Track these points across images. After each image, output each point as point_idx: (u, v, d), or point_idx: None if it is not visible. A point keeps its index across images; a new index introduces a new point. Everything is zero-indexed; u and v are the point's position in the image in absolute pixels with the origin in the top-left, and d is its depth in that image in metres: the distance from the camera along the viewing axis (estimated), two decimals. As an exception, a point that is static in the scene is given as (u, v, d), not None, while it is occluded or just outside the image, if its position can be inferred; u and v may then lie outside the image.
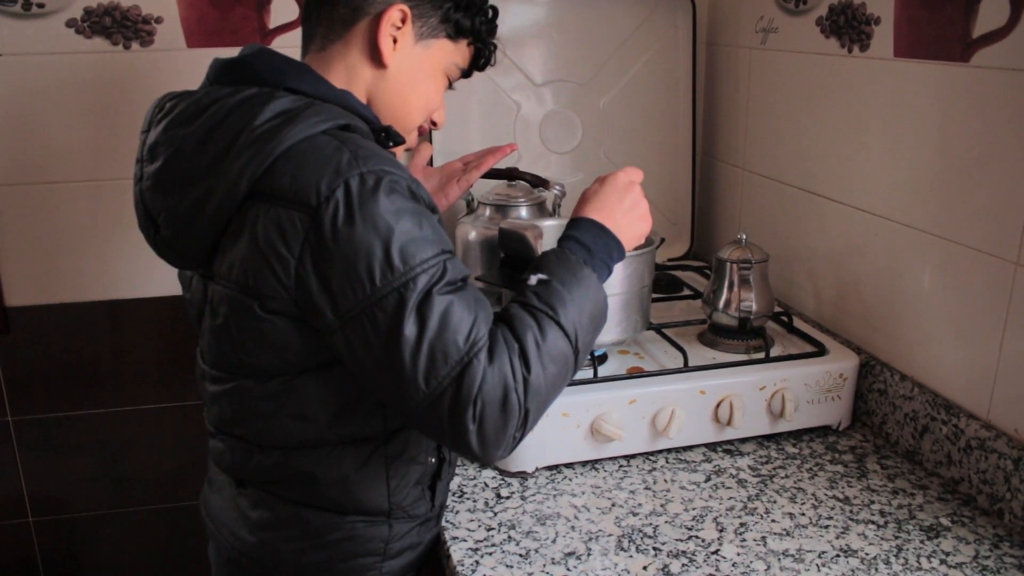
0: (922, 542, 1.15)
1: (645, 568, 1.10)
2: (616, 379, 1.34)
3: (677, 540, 1.16)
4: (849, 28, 1.45)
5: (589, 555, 1.12)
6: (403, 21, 1.07)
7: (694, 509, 1.23)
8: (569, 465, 1.33)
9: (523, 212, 1.57)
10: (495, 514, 1.21)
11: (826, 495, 1.26)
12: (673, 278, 1.79)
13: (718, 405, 1.35)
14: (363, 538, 1.10)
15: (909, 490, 1.27)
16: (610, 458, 1.35)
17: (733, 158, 1.87)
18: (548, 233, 1.32)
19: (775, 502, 1.24)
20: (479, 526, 1.18)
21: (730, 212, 1.90)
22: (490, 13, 1.17)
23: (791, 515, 1.21)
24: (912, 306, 1.37)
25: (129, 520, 2.00)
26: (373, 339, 0.91)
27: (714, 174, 1.96)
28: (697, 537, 1.16)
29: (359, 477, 1.08)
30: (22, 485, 1.91)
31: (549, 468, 1.32)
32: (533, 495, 1.25)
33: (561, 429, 1.28)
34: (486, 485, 1.28)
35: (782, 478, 1.30)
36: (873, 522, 1.19)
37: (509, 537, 1.16)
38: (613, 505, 1.23)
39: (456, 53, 1.14)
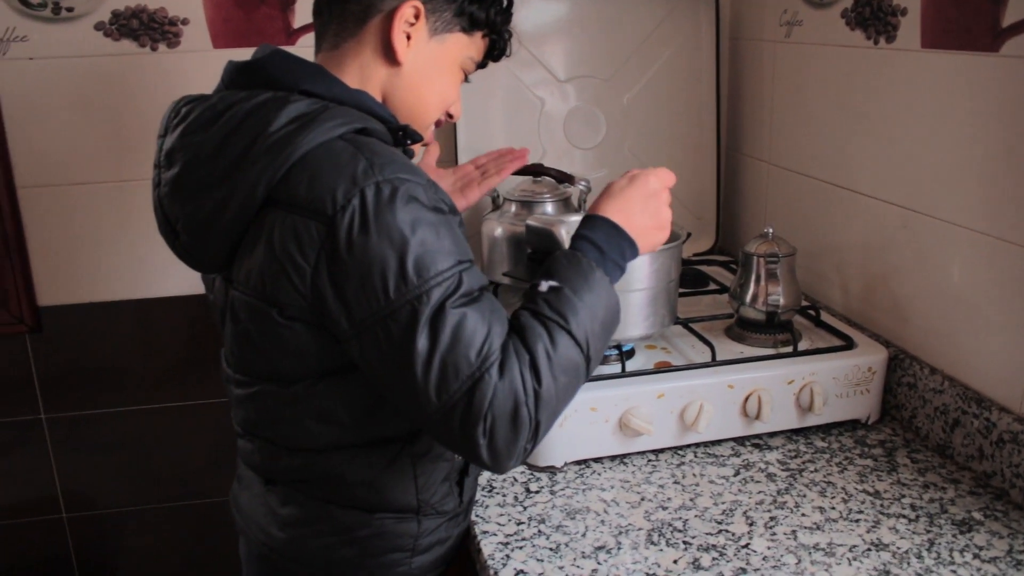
0: (954, 536, 1.14)
1: (675, 562, 1.10)
2: (644, 373, 1.34)
3: (707, 534, 1.16)
4: (875, 19, 1.44)
5: (619, 549, 1.13)
6: (416, 17, 1.05)
7: (723, 503, 1.23)
8: (597, 460, 1.33)
9: (549, 208, 1.57)
10: (525, 508, 1.21)
11: (856, 489, 1.25)
12: (699, 273, 1.79)
13: (746, 399, 1.34)
14: (392, 534, 1.11)
15: (940, 484, 1.26)
16: (638, 452, 1.35)
17: (758, 152, 1.87)
18: (573, 229, 1.32)
19: (805, 496, 1.24)
20: (509, 520, 1.19)
21: (755, 206, 1.90)
22: (505, 2, 1.15)
23: (821, 509, 1.21)
24: (941, 299, 1.37)
25: (158, 516, 2.02)
26: (386, 350, 0.91)
27: (739, 168, 1.96)
28: (727, 531, 1.16)
29: (386, 477, 1.08)
30: (55, 482, 1.94)
31: (577, 463, 1.32)
32: (562, 489, 1.26)
33: (589, 424, 1.28)
34: (515, 480, 1.28)
35: (811, 472, 1.30)
36: (904, 516, 1.19)
37: (539, 531, 1.16)
38: (642, 499, 1.24)
39: (471, 46, 1.13)
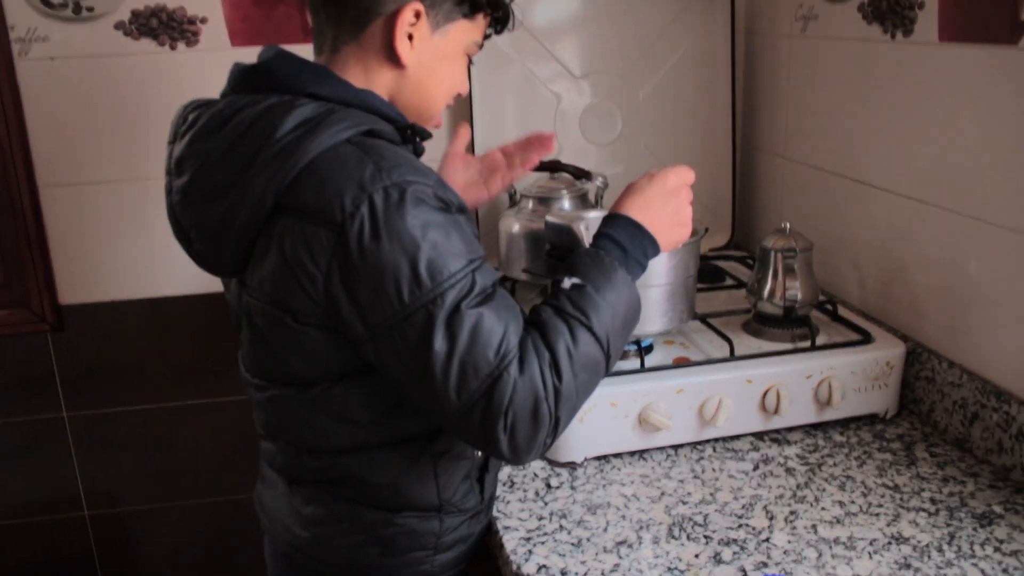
0: (975, 529, 1.14)
1: (696, 556, 1.11)
2: (663, 369, 1.34)
3: (728, 528, 1.16)
4: (892, 13, 1.44)
5: (640, 543, 1.13)
6: (417, 17, 1.03)
7: (743, 497, 1.23)
8: (617, 455, 1.34)
9: (566, 204, 1.58)
10: (546, 504, 1.22)
11: (875, 483, 1.26)
12: (716, 268, 1.79)
13: (765, 394, 1.35)
14: (416, 533, 1.12)
15: (960, 478, 1.27)
16: (658, 448, 1.35)
17: (774, 147, 1.87)
18: (593, 225, 1.33)
19: (824, 490, 1.24)
20: (530, 515, 1.20)
21: (772, 201, 1.90)
22: None
23: (841, 503, 1.21)
24: (959, 293, 1.37)
25: (179, 513, 2.04)
26: (404, 353, 0.92)
27: (755, 163, 1.96)
28: (747, 525, 1.17)
29: (408, 477, 1.09)
30: (78, 480, 1.96)
31: (598, 458, 1.33)
32: (583, 485, 1.27)
33: (609, 419, 1.29)
34: (536, 475, 1.29)
35: (830, 466, 1.30)
36: (924, 510, 1.19)
37: (560, 526, 1.17)
38: (662, 494, 1.24)
39: (474, 30, 1.10)
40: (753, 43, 1.92)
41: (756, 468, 1.30)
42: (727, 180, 1.93)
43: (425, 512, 1.11)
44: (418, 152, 1.11)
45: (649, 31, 1.84)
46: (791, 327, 1.46)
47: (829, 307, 1.54)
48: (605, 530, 1.16)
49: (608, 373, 1.02)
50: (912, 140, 1.43)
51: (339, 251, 0.90)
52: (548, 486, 1.27)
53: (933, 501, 1.21)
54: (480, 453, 1.14)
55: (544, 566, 1.09)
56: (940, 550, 1.11)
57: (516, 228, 1.57)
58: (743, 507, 1.21)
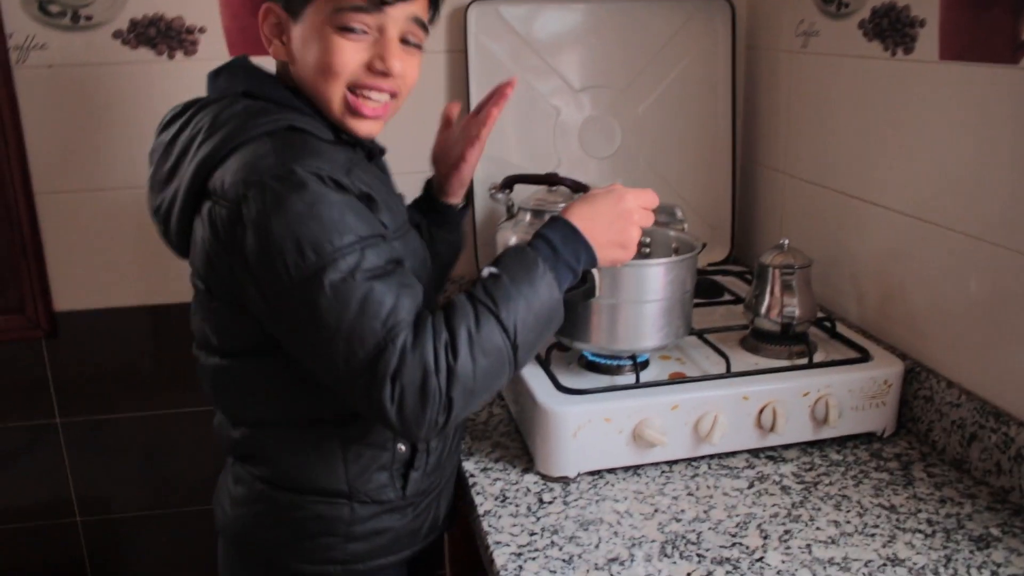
0: (972, 552, 1.13)
1: (689, 575, 1.09)
2: (658, 384, 1.33)
3: (721, 547, 1.15)
4: (892, 31, 1.43)
5: (632, 561, 1.12)
6: (266, 14, 1.10)
7: (737, 516, 1.22)
8: (611, 470, 1.33)
9: (563, 217, 1.57)
10: (538, 519, 1.21)
11: (872, 503, 1.25)
12: (713, 283, 1.79)
13: (761, 411, 1.34)
14: (324, 518, 1.15)
15: (957, 499, 1.25)
16: (652, 464, 1.34)
17: (774, 162, 1.86)
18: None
19: (819, 509, 1.23)
20: (522, 531, 1.18)
21: (771, 217, 1.89)
22: None
23: (836, 523, 1.20)
24: (958, 312, 1.36)
25: (172, 520, 2.03)
26: (296, 324, 0.98)
27: (754, 179, 1.95)
28: (741, 544, 1.16)
29: (314, 458, 1.13)
30: (70, 486, 1.95)
31: (591, 473, 1.32)
32: (575, 500, 1.25)
33: (603, 434, 1.28)
34: (528, 490, 1.28)
35: (826, 485, 1.29)
36: (920, 531, 1.18)
37: (552, 542, 1.16)
38: (656, 511, 1.23)
39: (330, 1, 1.05)
40: (754, 58, 1.91)
41: (751, 486, 1.29)
42: (726, 195, 1.92)
43: (333, 498, 1.14)
44: (371, 152, 1.16)
45: (649, 45, 1.84)
46: (789, 344, 1.45)
47: (827, 324, 1.53)
48: (597, 547, 1.15)
49: (520, 365, 1.03)
50: (912, 157, 1.43)
51: (239, 230, 0.98)
52: (540, 501, 1.25)
53: (930, 522, 1.20)
54: (405, 448, 1.16)
55: (535, 583, 1.08)
56: (936, 573, 1.09)
57: (513, 240, 1.56)
58: (737, 525, 1.20)
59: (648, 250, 1.47)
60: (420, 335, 0.96)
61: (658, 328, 1.32)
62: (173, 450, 1.98)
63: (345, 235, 0.96)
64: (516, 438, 1.42)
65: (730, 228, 1.94)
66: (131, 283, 1.84)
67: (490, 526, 1.20)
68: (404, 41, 1.09)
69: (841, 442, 1.41)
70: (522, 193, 1.61)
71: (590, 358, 1.40)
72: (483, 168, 1.73)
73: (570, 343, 1.37)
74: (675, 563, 1.12)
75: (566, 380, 1.33)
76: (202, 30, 1.71)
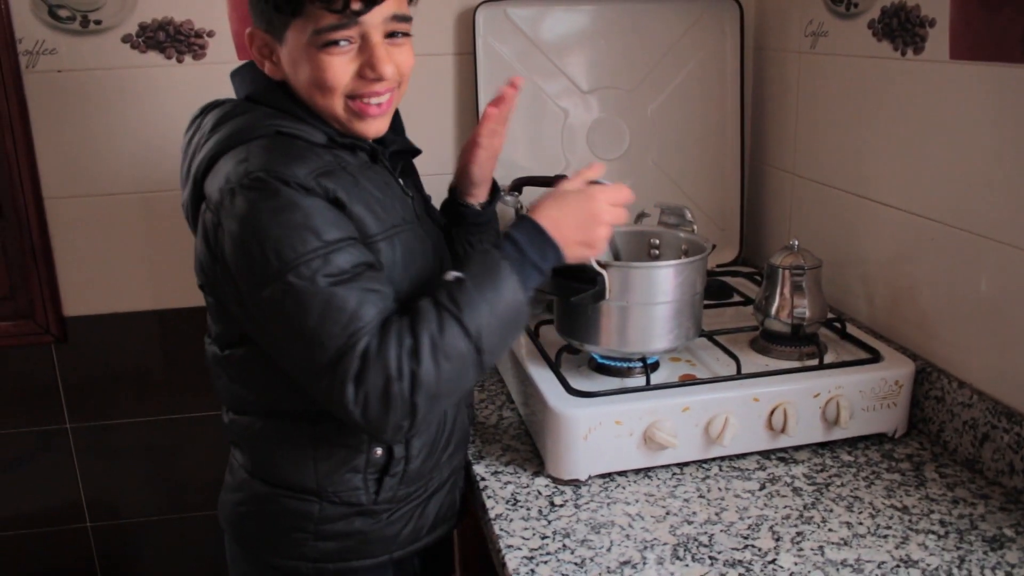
0: (985, 553, 1.13)
1: (702, 577, 1.09)
2: (669, 387, 1.33)
3: (733, 549, 1.15)
4: (902, 30, 1.43)
5: (645, 564, 1.12)
6: (252, 39, 1.12)
7: (749, 518, 1.22)
8: (622, 473, 1.32)
9: (572, 219, 1.56)
10: (549, 522, 1.21)
11: (884, 504, 1.24)
12: (723, 284, 1.78)
13: (772, 412, 1.33)
14: (295, 513, 1.17)
15: (970, 500, 1.25)
16: (663, 466, 1.34)
17: (783, 163, 1.86)
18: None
19: (831, 511, 1.23)
20: (533, 534, 1.18)
21: (780, 217, 1.89)
22: None
23: (848, 524, 1.20)
24: (969, 311, 1.35)
25: (182, 525, 2.03)
26: (265, 327, 1.02)
27: (763, 179, 1.95)
28: (753, 546, 1.15)
29: (285, 451, 1.16)
30: (80, 491, 1.95)
31: (602, 476, 1.32)
32: (587, 503, 1.25)
33: (614, 437, 1.28)
34: (539, 493, 1.28)
35: (838, 486, 1.29)
36: (933, 532, 1.17)
37: (564, 545, 1.16)
38: (667, 513, 1.23)
39: (307, 24, 1.04)
40: (762, 59, 1.91)
41: (762, 488, 1.29)
42: (735, 196, 1.92)
43: (302, 494, 1.16)
44: (374, 153, 1.16)
45: (657, 46, 1.84)
46: (799, 345, 1.44)
47: (837, 325, 1.53)
48: (609, 550, 1.15)
49: (486, 368, 1.04)
50: (922, 158, 1.42)
51: (219, 233, 1.02)
52: (551, 504, 1.25)
53: (943, 523, 1.19)
54: (380, 451, 1.16)
55: (547, 586, 1.08)
56: (950, 574, 1.09)
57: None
58: (749, 527, 1.19)
59: (658, 252, 1.46)
60: (384, 340, 0.97)
61: (668, 330, 1.32)
62: (183, 455, 1.98)
63: (308, 240, 0.98)
64: (526, 441, 1.42)
65: (739, 229, 1.94)
66: (140, 288, 1.84)
67: (501, 530, 1.19)
68: (391, 35, 1.09)
69: (852, 443, 1.41)
70: (531, 196, 1.60)
71: (600, 360, 1.40)
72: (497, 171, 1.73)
73: (580, 345, 1.37)
74: (687, 566, 1.11)
75: (576, 383, 1.33)
76: (211, 34, 1.71)
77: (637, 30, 1.82)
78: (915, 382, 1.41)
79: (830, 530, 1.18)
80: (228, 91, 1.18)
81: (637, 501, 1.26)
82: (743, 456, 1.37)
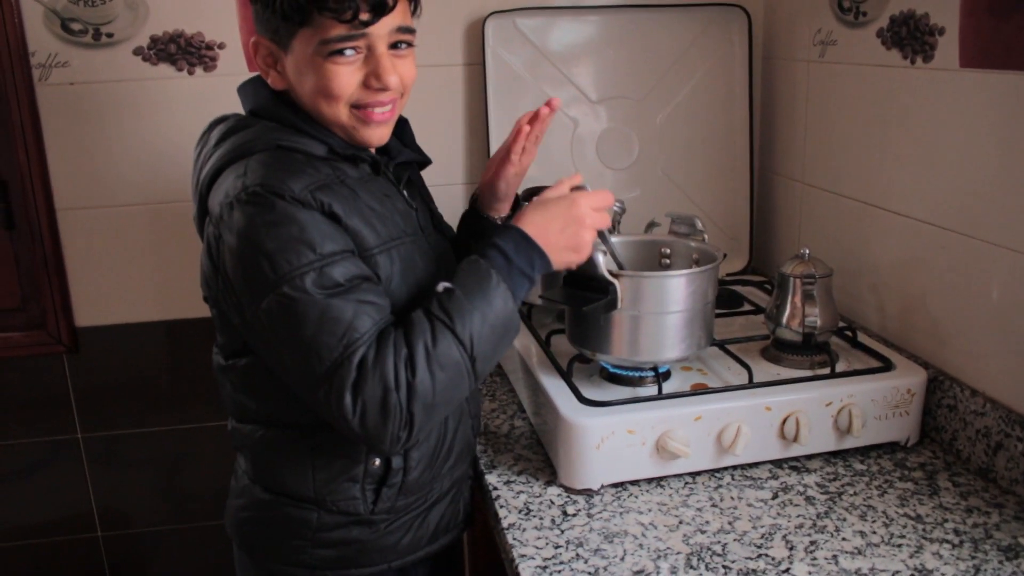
0: (1000, 562, 1.12)
1: (716, 587, 1.09)
2: (681, 396, 1.33)
3: (747, 558, 1.14)
4: (912, 39, 1.43)
5: (658, 573, 1.12)
6: (256, 48, 1.12)
7: (762, 527, 1.21)
8: (634, 482, 1.32)
9: (582, 229, 1.57)
10: (562, 532, 1.21)
11: (897, 513, 1.24)
12: (733, 293, 1.78)
13: (784, 421, 1.33)
14: (293, 521, 1.19)
15: (984, 508, 1.24)
16: (675, 475, 1.34)
17: (792, 172, 1.86)
18: (611, 251, 1.32)
19: (845, 520, 1.23)
20: (547, 544, 1.18)
21: (789, 226, 1.89)
22: None
23: (862, 533, 1.19)
24: (981, 319, 1.35)
25: (192, 535, 2.04)
26: (263, 338, 1.04)
27: (772, 188, 1.95)
28: (767, 555, 1.15)
29: (284, 459, 1.17)
30: (92, 500, 1.96)
31: (614, 485, 1.32)
32: (600, 512, 1.25)
33: (626, 446, 1.28)
34: (552, 503, 1.28)
35: (851, 495, 1.29)
36: (948, 541, 1.17)
37: (577, 555, 1.16)
38: (680, 523, 1.23)
39: (315, 33, 1.05)
40: (771, 68, 1.91)
41: (775, 497, 1.29)
42: (744, 205, 1.92)
43: (301, 502, 1.18)
44: (376, 164, 1.17)
45: (666, 56, 1.84)
46: (810, 354, 1.44)
47: (849, 333, 1.53)
48: (622, 559, 1.15)
49: (481, 377, 1.06)
50: (932, 165, 1.42)
51: (221, 246, 1.04)
52: (564, 513, 1.25)
53: (957, 532, 1.19)
54: (378, 462, 1.17)
55: (561, 596, 1.08)
56: (965, 583, 1.09)
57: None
58: (762, 536, 1.19)
59: (668, 261, 1.47)
60: (382, 351, 0.99)
61: (680, 339, 1.32)
62: (192, 464, 1.99)
63: (304, 253, 1.00)
64: (539, 450, 1.42)
65: (748, 238, 1.94)
66: (152, 299, 1.85)
67: (515, 539, 1.19)
68: (395, 46, 1.10)
69: (864, 452, 1.40)
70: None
71: (612, 370, 1.40)
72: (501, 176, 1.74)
73: (592, 355, 1.37)
74: (701, 575, 1.11)
75: (588, 392, 1.33)
76: (221, 46, 1.72)
77: (645, 40, 1.83)
78: (927, 390, 1.41)
79: (844, 539, 1.18)
80: (236, 103, 1.19)
81: (650, 510, 1.26)
82: (755, 465, 1.37)
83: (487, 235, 1.33)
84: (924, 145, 1.44)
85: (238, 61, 1.74)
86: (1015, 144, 1.25)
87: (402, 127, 1.26)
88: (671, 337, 1.32)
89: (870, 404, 1.36)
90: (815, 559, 1.14)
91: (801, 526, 1.21)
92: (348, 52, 1.07)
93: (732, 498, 1.29)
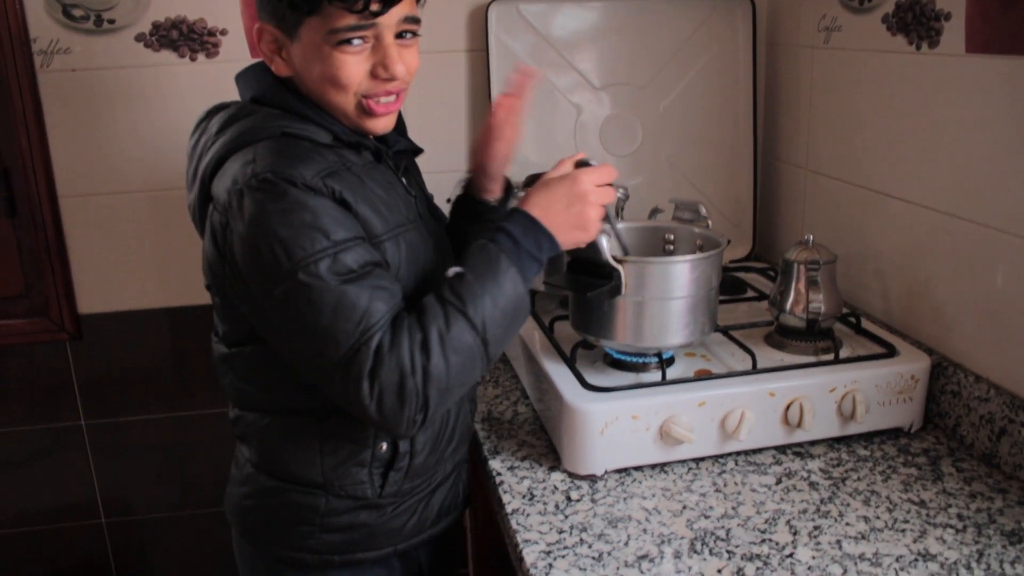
0: (1004, 547, 1.12)
1: (719, 571, 1.09)
2: (685, 381, 1.33)
3: (751, 543, 1.15)
4: (917, 24, 1.42)
5: (662, 558, 1.12)
6: (260, 34, 1.11)
7: (766, 512, 1.22)
8: (638, 468, 1.32)
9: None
10: (566, 517, 1.21)
11: (901, 498, 1.24)
12: (736, 280, 1.78)
13: (788, 407, 1.33)
14: (301, 507, 1.18)
15: (987, 494, 1.25)
16: (679, 461, 1.34)
17: (795, 159, 1.85)
18: (615, 237, 1.32)
19: (848, 505, 1.23)
20: (551, 528, 1.18)
21: (793, 213, 1.89)
22: None
23: (865, 518, 1.20)
24: (985, 305, 1.35)
25: (195, 522, 2.04)
26: (277, 326, 1.03)
27: (776, 175, 1.94)
28: (771, 540, 1.15)
29: (293, 446, 1.17)
30: (95, 487, 1.96)
31: (618, 471, 1.32)
32: (603, 498, 1.25)
33: (630, 432, 1.28)
34: (556, 488, 1.28)
35: (854, 481, 1.29)
36: (951, 526, 1.17)
37: (581, 540, 1.16)
38: (684, 508, 1.23)
39: (324, 22, 1.04)
40: (775, 54, 1.91)
41: (779, 482, 1.29)
42: (748, 192, 1.92)
43: (309, 488, 1.18)
44: (378, 152, 1.17)
45: (670, 42, 1.84)
46: (814, 340, 1.44)
47: (852, 320, 1.52)
48: (626, 544, 1.15)
49: (493, 359, 1.06)
50: (937, 151, 1.42)
51: (228, 235, 1.03)
52: (568, 499, 1.25)
53: (960, 517, 1.19)
54: (385, 446, 1.17)
55: (565, 580, 1.08)
56: (969, 568, 1.09)
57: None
58: (766, 522, 1.19)
59: (672, 247, 1.46)
60: (397, 336, 0.99)
61: (684, 325, 1.32)
62: (194, 451, 1.99)
63: (317, 240, 0.99)
64: (542, 436, 1.42)
65: (751, 225, 1.93)
66: (154, 286, 1.85)
67: (519, 524, 1.20)
68: (400, 35, 1.10)
69: (868, 438, 1.40)
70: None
71: (615, 356, 1.40)
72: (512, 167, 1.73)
73: (596, 341, 1.37)
74: (705, 560, 1.12)
75: (592, 378, 1.33)
76: (224, 32, 1.72)
77: (649, 26, 1.82)
78: (931, 376, 1.41)
79: (847, 524, 1.18)
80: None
81: (654, 496, 1.26)
82: (759, 451, 1.37)
83: (484, 218, 1.34)
84: (929, 131, 1.43)
85: (240, 47, 1.73)
86: (1021, 130, 1.24)
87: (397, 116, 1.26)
88: (675, 323, 1.32)
89: (874, 390, 1.36)
90: (819, 544, 1.14)
91: (805, 511, 1.21)
92: (356, 42, 1.06)
93: (736, 483, 1.29)
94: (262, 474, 1.21)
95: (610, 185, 1.15)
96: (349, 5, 1.02)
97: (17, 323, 1.81)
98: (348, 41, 1.06)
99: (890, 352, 1.41)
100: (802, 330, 1.44)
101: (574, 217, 1.11)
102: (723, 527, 1.18)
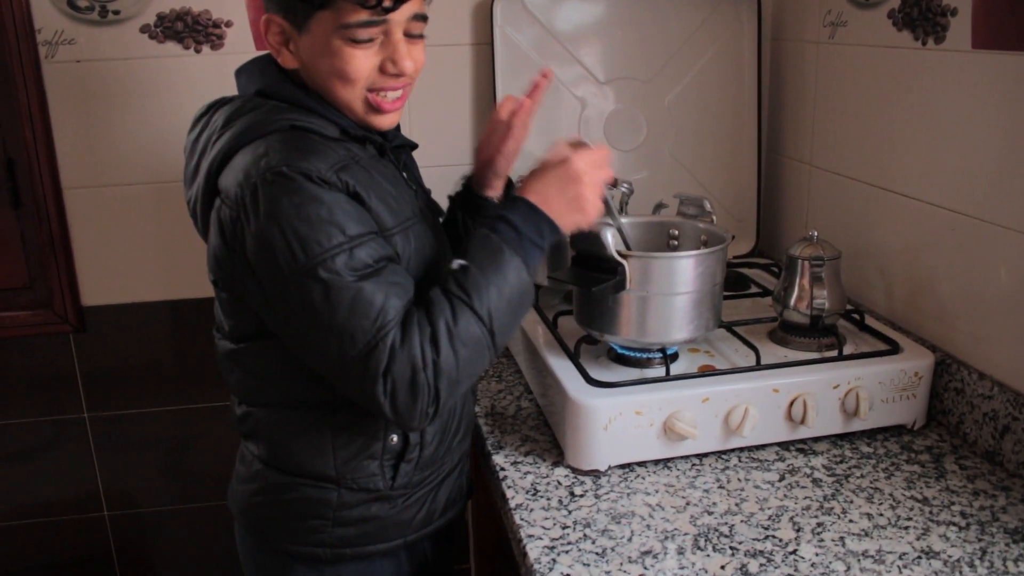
0: (1007, 545, 1.13)
1: (723, 567, 1.09)
2: (688, 377, 1.33)
3: (754, 539, 1.15)
4: (923, 20, 1.42)
5: (666, 554, 1.12)
6: (279, 27, 1.10)
7: (769, 508, 1.22)
8: (642, 463, 1.33)
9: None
10: (570, 512, 1.21)
11: (904, 495, 1.24)
12: (740, 275, 1.78)
13: (791, 403, 1.33)
14: (313, 501, 1.18)
15: (991, 491, 1.25)
16: (682, 456, 1.34)
17: (800, 154, 1.85)
18: (619, 231, 1.32)
19: (852, 502, 1.23)
20: (554, 524, 1.19)
21: (797, 209, 1.88)
22: None
23: (869, 515, 1.20)
24: (989, 302, 1.35)
25: (196, 515, 2.04)
26: (291, 321, 1.03)
27: (780, 171, 1.94)
28: (774, 537, 1.15)
29: (304, 441, 1.17)
30: (98, 480, 1.96)
31: (622, 466, 1.32)
32: (607, 493, 1.25)
33: (634, 427, 1.28)
34: (559, 483, 1.28)
35: (858, 478, 1.29)
36: (955, 524, 1.17)
37: (585, 535, 1.16)
38: (687, 504, 1.23)
39: (335, 17, 1.05)
40: (780, 49, 1.90)
41: (782, 479, 1.29)
42: (752, 187, 1.92)
43: (321, 482, 1.18)
44: (383, 147, 1.17)
45: (675, 37, 1.83)
46: (818, 336, 1.44)
47: (856, 316, 1.52)
48: (630, 540, 1.15)
49: (500, 349, 1.07)
50: (942, 148, 1.42)
51: (239, 229, 1.02)
52: (572, 494, 1.25)
53: (963, 515, 1.19)
54: (396, 438, 1.18)
55: (568, 575, 1.08)
56: (972, 565, 1.09)
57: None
58: (769, 518, 1.19)
59: (676, 242, 1.46)
60: (408, 332, 1.00)
61: (688, 320, 1.32)
62: (200, 444, 1.99)
63: (334, 235, 0.99)
64: (546, 431, 1.42)
65: (755, 220, 1.93)
66: (158, 278, 1.85)
67: (522, 519, 1.20)
68: (407, 34, 1.11)
69: (871, 435, 1.40)
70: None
71: (619, 351, 1.40)
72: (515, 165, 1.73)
73: (600, 336, 1.37)
74: (708, 556, 1.12)
75: (596, 373, 1.33)
76: (228, 24, 1.71)
77: (654, 20, 1.82)
78: (934, 374, 1.41)
79: (851, 521, 1.18)
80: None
81: (657, 491, 1.26)
82: (762, 447, 1.37)
83: (483, 214, 1.34)
84: (934, 127, 1.43)
85: (245, 39, 1.73)
86: (1027, 126, 1.24)
87: None
88: (679, 318, 1.32)
89: (877, 387, 1.36)
90: (822, 541, 1.14)
91: (808, 508, 1.22)
92: (367, 37, 1.07)
93: (739, 480, 1.29)
94: (271, 470, 1.21)
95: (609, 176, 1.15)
96: (362, 1, 1.03)
97: (21, 315, 1.81)
98: (358, 36, 1.06)
99: (894, 349, 1.41)
100: (806, 326, 1.44)
101: (571, 200, 1.11)
102: (726, 523, 1.18)
